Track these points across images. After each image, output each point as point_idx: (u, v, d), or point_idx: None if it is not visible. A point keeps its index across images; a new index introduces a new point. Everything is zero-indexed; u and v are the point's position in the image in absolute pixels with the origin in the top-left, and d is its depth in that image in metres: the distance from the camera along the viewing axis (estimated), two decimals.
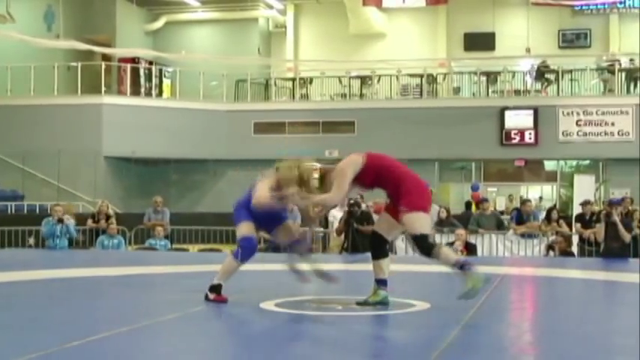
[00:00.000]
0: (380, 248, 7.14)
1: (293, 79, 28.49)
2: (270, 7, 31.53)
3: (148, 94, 27.55)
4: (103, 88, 26.45)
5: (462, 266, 6.71)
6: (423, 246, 6.83)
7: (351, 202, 14.91)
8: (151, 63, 28.06)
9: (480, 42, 29.51)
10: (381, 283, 7.07)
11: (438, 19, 30.12)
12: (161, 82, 27.95)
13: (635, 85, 25.29)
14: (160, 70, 28.07)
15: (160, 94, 27.86)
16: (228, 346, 5.57)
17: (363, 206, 15.90)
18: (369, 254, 7.23)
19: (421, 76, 26.68)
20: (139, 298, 8.06)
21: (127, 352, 5.21)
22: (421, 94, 26.61)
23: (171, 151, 26.05)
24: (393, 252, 15.38)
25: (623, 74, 25.45)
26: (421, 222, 6.86)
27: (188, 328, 6.12)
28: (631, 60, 25.73)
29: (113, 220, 17.20)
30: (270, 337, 5.90)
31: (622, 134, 24.04)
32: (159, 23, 31.66)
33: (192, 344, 5.50)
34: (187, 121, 26.10)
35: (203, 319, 6.58)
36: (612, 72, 25.17)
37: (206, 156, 26.61)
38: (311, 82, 27.75)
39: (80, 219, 17.48)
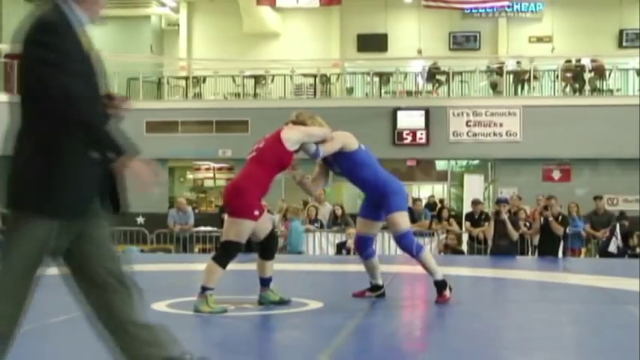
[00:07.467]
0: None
1: (186, 78, 28.13)
2: (163, 4, 31.14)
3: None
4: None
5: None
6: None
7: None
8: None
9: (372, 43, 29.80)
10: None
11: (332, 20, 30.30)
12: None
13: (522, 87, 25.91)
14: None
15: None
16: None
17: None
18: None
19: (314, 76, 26.72)
20: None
21: (10, 357, 5.02)
22: (315, 94, 26.64)
23: None
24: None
25: (511, 76, 26.03)
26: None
27: (76, 332, 5.94)
28: (518, 62, 26.36)
29: None
30: None
31: (510, 135, 24.56)
32: None
33: (79, 348, 5.35)
34: None
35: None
36: (500, 74, 25.70)
37: None
38: (204, 81, 27.46)
39: None
